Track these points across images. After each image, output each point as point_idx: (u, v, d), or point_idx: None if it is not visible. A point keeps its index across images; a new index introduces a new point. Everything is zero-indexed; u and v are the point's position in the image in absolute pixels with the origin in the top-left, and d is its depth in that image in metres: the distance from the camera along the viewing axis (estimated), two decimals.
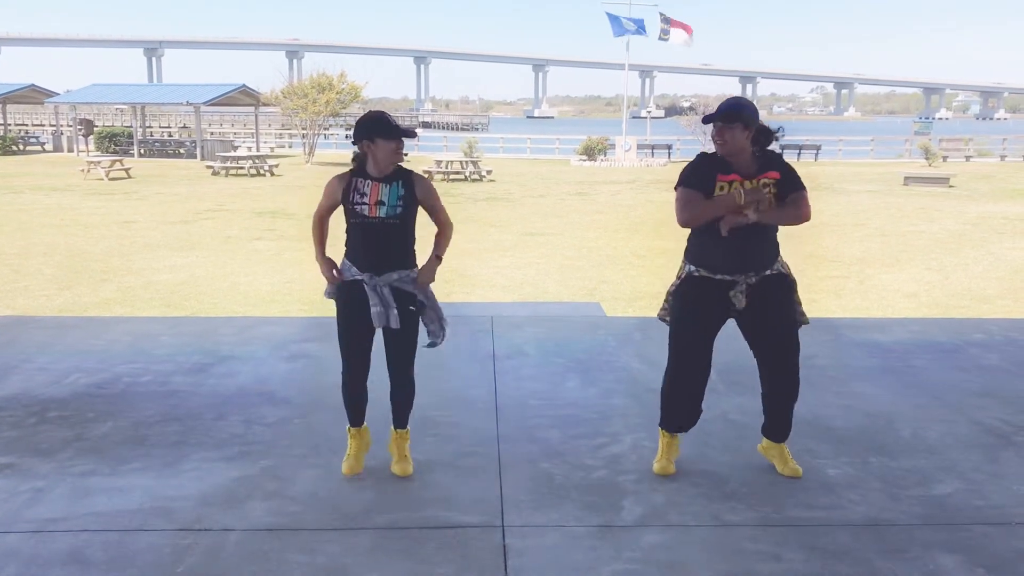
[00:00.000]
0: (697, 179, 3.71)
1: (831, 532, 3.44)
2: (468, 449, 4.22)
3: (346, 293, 3.79)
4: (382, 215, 3.66)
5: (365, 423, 4.00)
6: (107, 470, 3.95)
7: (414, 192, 3.72)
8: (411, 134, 3.77)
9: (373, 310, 3.71)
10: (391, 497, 3.72)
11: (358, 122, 3.72)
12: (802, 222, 3.74)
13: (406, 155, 3.89)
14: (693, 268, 3.77)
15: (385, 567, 3.17)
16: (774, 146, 3.81)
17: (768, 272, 3.74)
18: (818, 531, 3.45)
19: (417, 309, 3.83)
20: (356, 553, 3.26)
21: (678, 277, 3.86)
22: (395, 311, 3.73)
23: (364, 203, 3.67)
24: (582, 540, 3.38)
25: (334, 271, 3.81)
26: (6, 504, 3.62)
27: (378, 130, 3.66)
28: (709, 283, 3.74)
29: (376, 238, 3.70)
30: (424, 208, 3.81)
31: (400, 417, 3.99)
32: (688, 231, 3.82)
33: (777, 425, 3.96)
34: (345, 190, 3.72)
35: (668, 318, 3.92)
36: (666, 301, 3.94)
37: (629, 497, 3.73)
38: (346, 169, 3.81)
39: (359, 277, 3.73)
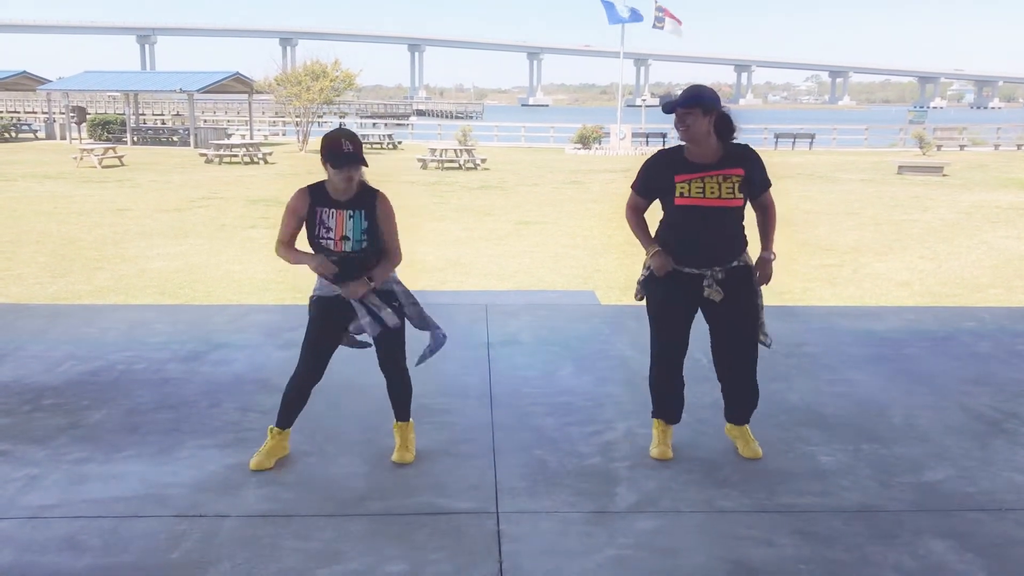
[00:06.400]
0: (651, 185, 3.84)
1: (823, 518, 3.47)
2: (462, 436, 4.24)
3: (324, 308, 3.75)
4: (347, 250, 3.61)
5: (290, 430, 3.92)
6: (102, 457, 3.96)
7: (376, 220, 3.65)
8: (358, 160, 3.53)
9: (363, 321, 3.66)
10: (385, 484, 3.73)
11: (322, 139, 3.64)
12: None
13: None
14: None
15: (378, 553, 3.19)
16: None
17: (735, 264, 3.79)
18: (810, 517, 3.47)
19: (400, 305, 3.80)
20: (350, 539, 3.28)
21: (646, 267, 3.91)
22: (388, 309, 3.69)
23: (329, 238, 3.61)
24: (576, 526, 3.40)
25: (325, 263, 3.65)
26: (1, 491, 3.62)
27: (327, 156, 3.53)
28: (679, 276, 3.80)
29: (344, 266, 3.65)
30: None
31: (401, 410, 3.98)
32: (657, 221, 3.90)
33: (739, 409, 4.04)
34: (309, 220, 3.65)
35: (644, 300, 3.98)
36: (637, 288, 4.01)
37: (623, 484, 3.75)
38: (309, 183, 3.70)
39: (336, 292, 3.70)
